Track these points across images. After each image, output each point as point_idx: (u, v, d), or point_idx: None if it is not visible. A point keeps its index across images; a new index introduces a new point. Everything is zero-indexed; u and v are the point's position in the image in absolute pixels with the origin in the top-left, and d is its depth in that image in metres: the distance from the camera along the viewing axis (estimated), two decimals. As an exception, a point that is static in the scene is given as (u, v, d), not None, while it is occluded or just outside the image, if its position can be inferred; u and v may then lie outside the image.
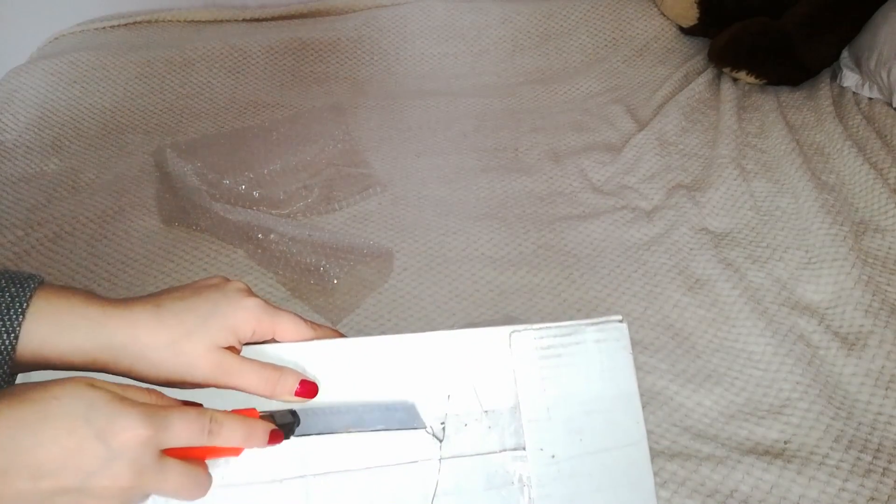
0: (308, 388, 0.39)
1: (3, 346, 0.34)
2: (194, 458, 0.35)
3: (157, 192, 1.03)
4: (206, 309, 0.37)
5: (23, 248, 0.93)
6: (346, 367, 0.43)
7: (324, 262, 0.88)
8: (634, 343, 0.81)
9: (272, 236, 0.92)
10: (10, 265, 0.90)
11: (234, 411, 0.37)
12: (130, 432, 0.32)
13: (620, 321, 0.46)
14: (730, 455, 0.68)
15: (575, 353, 0.45)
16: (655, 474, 0.67)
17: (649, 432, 0.72)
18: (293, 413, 0.39)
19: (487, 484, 0.42)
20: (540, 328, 0.45)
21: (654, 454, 0.69)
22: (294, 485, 0.40)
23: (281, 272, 0.90)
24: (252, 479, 0.39)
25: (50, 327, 0.35)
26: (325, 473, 0.40)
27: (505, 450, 0.43)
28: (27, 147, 1.13)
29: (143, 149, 1.14)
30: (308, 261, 0.89)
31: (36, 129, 1.17)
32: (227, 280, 0.40)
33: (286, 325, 0.40)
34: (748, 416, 0.72)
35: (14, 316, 0.34)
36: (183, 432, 0.34)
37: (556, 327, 0.45)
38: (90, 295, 0.36)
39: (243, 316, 0.38)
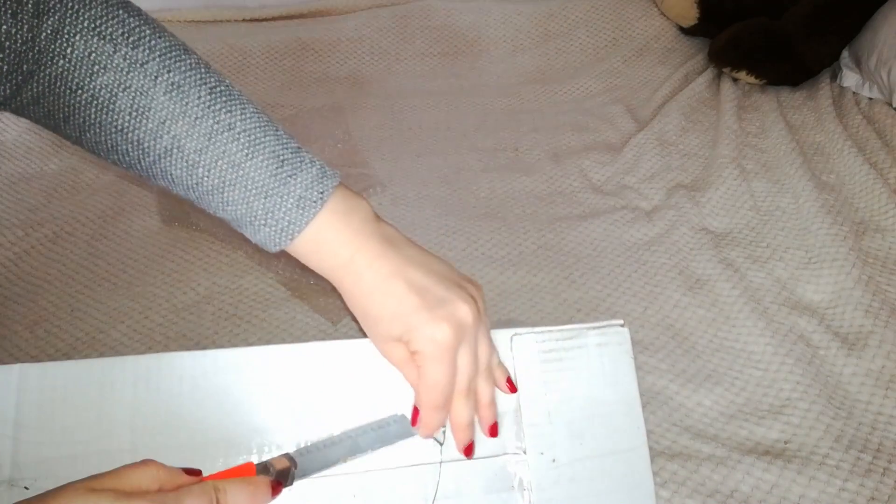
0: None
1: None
2: None
3: (157, 192, 1.03)
4: None
5: (23, 248, 0.93)
6: (344, 371, 0.43)
7: (324, 262, 0.88)
8: (634, 343, 0.81)
9: (272, 236, 0.91)
10: (10, 265, 0.90)
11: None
12: None
13: (622, 325, 0.46)
14: (730, 455, 0.68)
15: (576, 356, 0.44)
16: (655, 474, 0.67)
17: (649, 432, 0.72)
18: (289, 457, 0.39)
19: (487, 487, 0.41)
20: (542, 331, 0.44)
21: (654, 454, 0.69)
22: (293, 487, 0.39)
23: (281, 272, 0.90)
24: None
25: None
26: (325, 476, 0.40)
27: (506, 453, 0.42)
28: (27, 147, 1.13)
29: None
30: (308, 261, 0.89)
31: (36, 129, 1.17)
32: None
33: None
34: (748, 416, 0.72)
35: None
36: None
37: (558, 331, 0.45)
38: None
39: None
